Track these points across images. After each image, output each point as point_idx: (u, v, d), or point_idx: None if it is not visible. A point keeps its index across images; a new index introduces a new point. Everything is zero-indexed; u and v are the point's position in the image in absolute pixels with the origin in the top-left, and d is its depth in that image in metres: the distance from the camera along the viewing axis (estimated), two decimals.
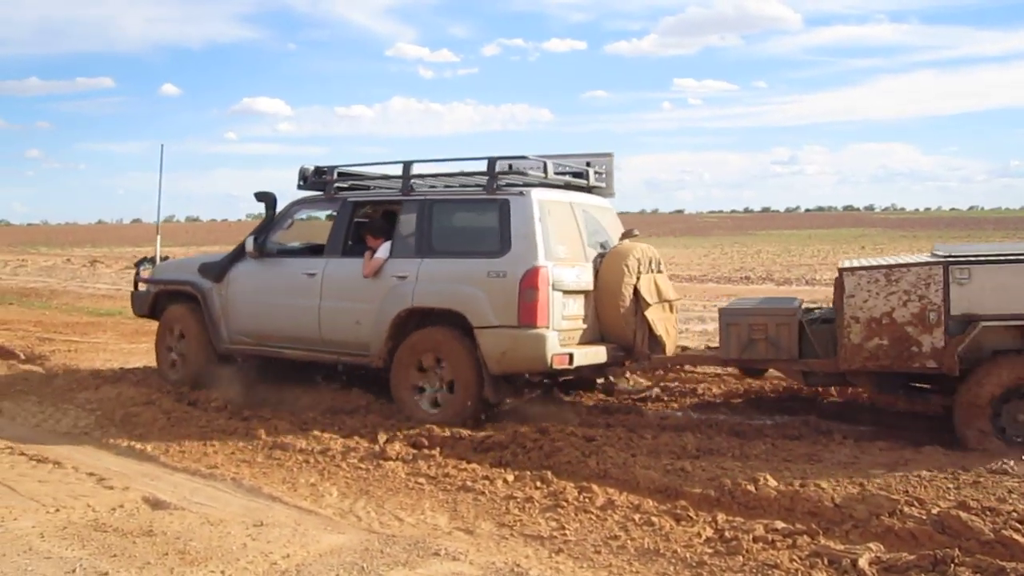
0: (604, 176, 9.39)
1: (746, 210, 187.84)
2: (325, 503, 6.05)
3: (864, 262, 7.54)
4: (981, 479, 6.01)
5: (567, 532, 5.36)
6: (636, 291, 8.34)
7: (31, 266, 36.14)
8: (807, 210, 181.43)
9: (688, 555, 4.95)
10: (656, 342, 8.47)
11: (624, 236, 9.01)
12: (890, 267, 7.06)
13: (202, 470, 6.84)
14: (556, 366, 7.81)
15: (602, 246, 8.65)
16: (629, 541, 5.18)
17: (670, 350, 8.64)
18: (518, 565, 4.83)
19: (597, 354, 8.20)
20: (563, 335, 7.94)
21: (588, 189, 9.22)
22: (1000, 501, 5.50)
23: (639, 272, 8.40)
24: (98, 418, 8.53)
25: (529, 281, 7.74)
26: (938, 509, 5.31)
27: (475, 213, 8.49)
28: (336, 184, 9.33)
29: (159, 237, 11.74)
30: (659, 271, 8.83)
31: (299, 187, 9.55)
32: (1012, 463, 6.20)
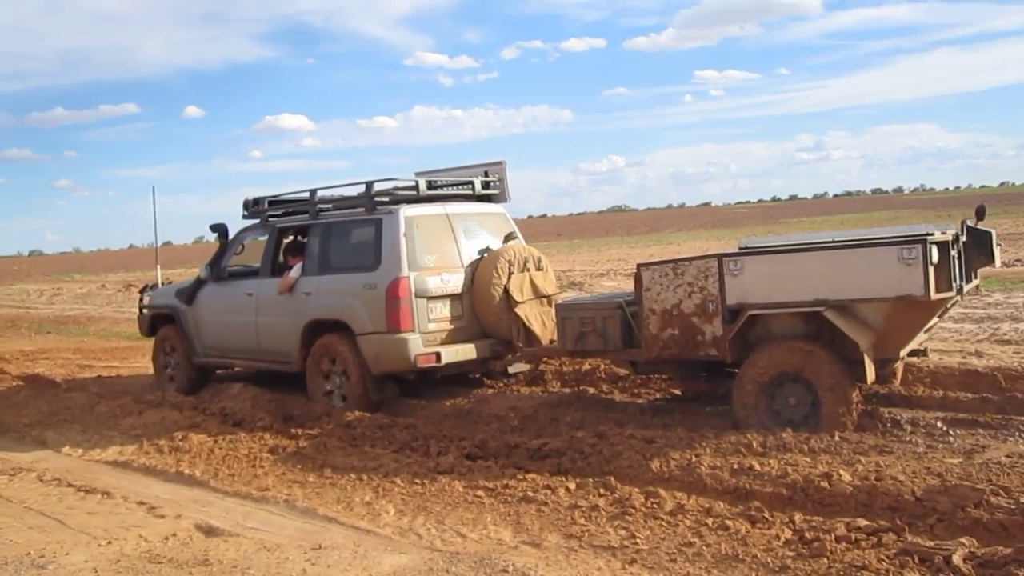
0: (497, 183, 10.12)
1: (774, 199, 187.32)
2: (383, 522, 5.86)
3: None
4: None
5: (638, 541, 5.14)
6: (506, 290, 8.99)
7: (67, 294, 36.28)
8: (835, 196, 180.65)
9: (769, 559, 4.71)
10: (531, 335, 9.05)
11: (505, 239, 9.60)
12: (676, 261, 7.43)
13: (253, 493, 6.68)
14: (422, 365, 8.70)
15: (481, 251, 9.33)
16: (704, 547, 4.95)
17: (545, 342, 9.14)
18: None
19: (467, 351, 8.99)
20: (430, 336, 8.80)
21: (481, 198, 9.95)
22: None
23: (510, 272, 9.09)
24: (143, 444, 8.40)
25: (393, 291, 8.66)
26: None
27: (359, 232, 9.37)
28: (267, 212, 10.44)
29: (159, 266, 13.53)
30: (538, 269, 9.41)
31: (243, 216, 10.80)
32: None
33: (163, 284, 12.63)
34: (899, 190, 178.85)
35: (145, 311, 12.03)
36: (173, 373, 11.30)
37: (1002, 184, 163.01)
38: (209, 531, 5.84)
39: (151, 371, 11.98)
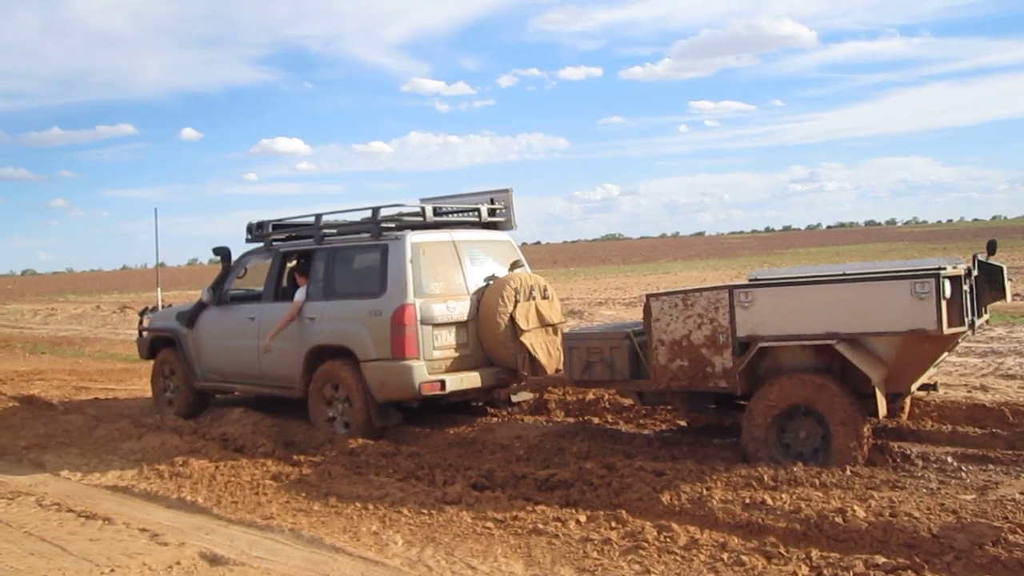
0: (503, 211, 10.13)
1: (767, 229, 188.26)
2: (391, 552, 5.76)
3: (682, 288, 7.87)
4: None
5: None
6: (512, 318, 8.93)
7: (61, 314, 36.09)
8: (828, 227, 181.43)
9: None
10: (536, 364, 8.99)
11: (511, 267, 9.60)
12: (686, 292, 7.37)
13: (258, 521, 6.57)
14: (426, 392, 8.64)
15: (487, 279, 9.32)
16: None
17: (550, 370, 9.09)
18: None
19: (472, 379, 8.95)
20: (434, 364, 8.75)
21: (487, 225, 9.95)
22: None
23: (516, 301, 9.05)
24: (143, 469, 8.29)
25: (398, 318, 8.60)
26: None
27: (364, 258, 9.34)
28: (271, 236, 10.42)
29: (159, 288, 13.51)
30: (543, 297, 9.40)
31: (247, 240, 10.75)
32: None
33: (163, 307, 12.54)
34: (892, 222, 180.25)
35: (145, 333, 11.94)
36: (172, 397, 11.23)
37: (995, 218, 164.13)
38: (214, 560, 5.73)
39: (148, 394, 11.90)
